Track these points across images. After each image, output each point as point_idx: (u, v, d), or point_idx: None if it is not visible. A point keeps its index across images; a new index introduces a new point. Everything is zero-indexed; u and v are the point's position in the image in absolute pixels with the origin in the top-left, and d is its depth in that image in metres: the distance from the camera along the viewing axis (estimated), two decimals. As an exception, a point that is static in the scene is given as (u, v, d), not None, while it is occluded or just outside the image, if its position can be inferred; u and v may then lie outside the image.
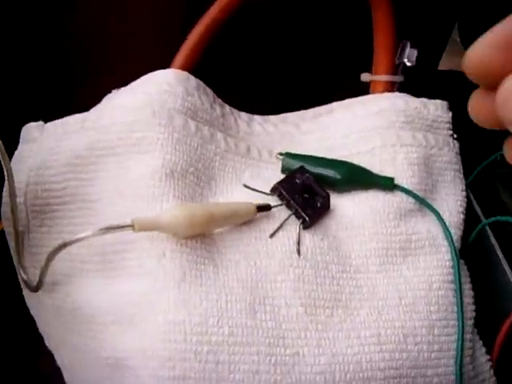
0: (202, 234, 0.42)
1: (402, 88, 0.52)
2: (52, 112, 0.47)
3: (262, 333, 0.39)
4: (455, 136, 0.51)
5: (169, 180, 0.43)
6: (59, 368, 0.45)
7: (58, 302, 0.43)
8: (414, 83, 0.53)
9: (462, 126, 0.59)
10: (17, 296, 0.45)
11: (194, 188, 0.44)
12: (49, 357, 0.45)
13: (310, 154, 0.48)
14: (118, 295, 0.41)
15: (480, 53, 0.30)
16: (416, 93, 0.51)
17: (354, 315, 0.42)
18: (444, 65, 0.64)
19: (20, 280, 0.43)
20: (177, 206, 0.41)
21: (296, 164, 0.46)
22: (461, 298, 0.44)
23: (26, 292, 0.45)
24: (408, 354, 0.41)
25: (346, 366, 0.40)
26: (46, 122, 0.48)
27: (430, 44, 0.60)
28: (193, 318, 0.38)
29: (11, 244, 0.44)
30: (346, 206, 0.46)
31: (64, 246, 0.39)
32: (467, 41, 0.68)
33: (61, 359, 0.45)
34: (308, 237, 0.43)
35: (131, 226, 0.39)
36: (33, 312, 0.45)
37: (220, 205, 0.44)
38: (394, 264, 0.44)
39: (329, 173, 0.46)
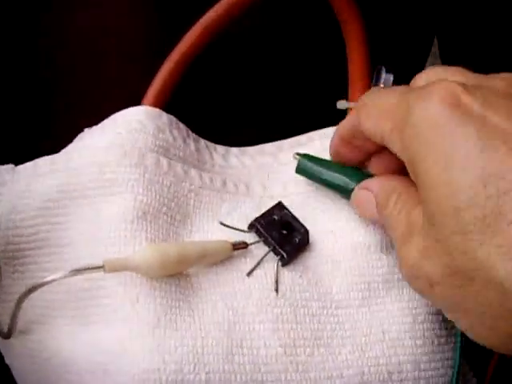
0: (177, 275, 0.41)
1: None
2: (22, 155, 0.46)
3: (241, 378, 0.38)
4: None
5: (141, 222, 0.41)
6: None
7: (31, 349, 0.41)
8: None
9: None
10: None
11: (168, 228, 0.43)
12: None
13: (288, 184, 0.48)
14: (92, 342, 0.39)
15: (332, 144, 0.44)
16: None
17: (336, 354, 0.41)
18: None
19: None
20: (148, 246, 0.41)
21: (311, 166, 0.46)
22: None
23: None
24: None
25: None
26: (16, 164, 0.47)
27: (409, 59, 0.59)
28: (168, 366, 0.37)
29: None
30: (326, 239, 0.45)
31: (33, 289, 0.38)
32: (447, 56, 0.67)
33: None
34: (286, 274, 0.42)
35: (101, 267, 0.38)
36: (7, 361, 0.44)
37: (193, 243, 0.43)
38: (377, 297, 0.43)
39: (342, 181, 0.45)
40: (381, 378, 0.40)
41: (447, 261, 0.32)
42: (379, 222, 0.42)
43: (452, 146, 0.32)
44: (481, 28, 0.61)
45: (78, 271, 0.38)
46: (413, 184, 0.37)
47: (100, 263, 0.38)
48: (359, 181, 0.44)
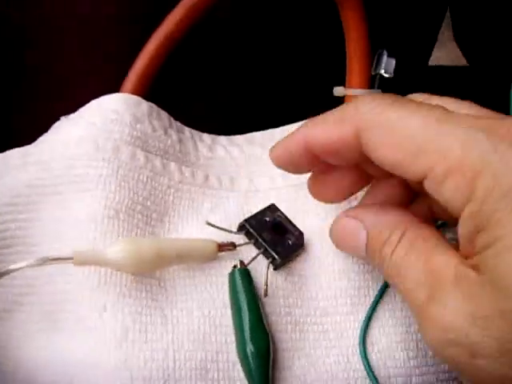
0: (149, 279, 0.38)
1: (391, 86, 0.47)
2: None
3: None
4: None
5: (112, 222, 0.39)
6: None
7: None
8: (403, 80, 0.49)
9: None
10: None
11: (144, 228, 0.40)
12: None
13: (276, 178, 0.44)
14: (58, 353, 0.37)
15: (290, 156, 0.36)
16: (406, 91, 0.46)
17: (319, 364, 0.38)
18: (435, 60, 0.58)
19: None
20: (122, 239, 0.38)
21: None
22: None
23: None
24: None
25: None
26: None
27: (418, 39, 0.55)
28: (136, 383, 0.34)
29: None
30: (314, 238, 0.42)
31: None
32: (461, 36, 0.63)
33: None
34: (269, 277, 0.39)
35: (71, 259, 0.35)
36: None
37: (174, 240, 0.40)
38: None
39: None
40: None
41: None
42: (364, 259, 0.38)
43: None
44: (495, 8, 0.56)
45: (46, 260, 0.35)
46: (421, 221, 0.32)
47: (70, 254, 0.35)
48: None
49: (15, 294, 0.39)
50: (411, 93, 0.46)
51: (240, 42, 0.50)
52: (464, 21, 0.59)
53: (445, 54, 0.60)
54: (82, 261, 0.35)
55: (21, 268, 0.35)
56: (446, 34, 0.62)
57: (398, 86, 0.46)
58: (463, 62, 0.60)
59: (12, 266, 0.35)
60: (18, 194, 0.41)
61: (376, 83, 0.47)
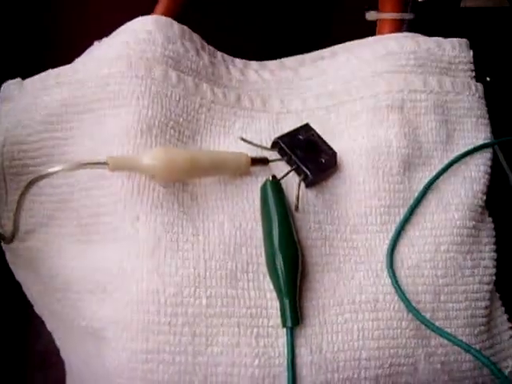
0: (180, 192, 0.39)
1: (418, 27, 0.47)
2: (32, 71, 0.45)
3: (244, 303, 0.36)
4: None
5: (145, 136, 0.39)
6: (54, 348, 0.43)
7: (32, 258, 0.41)
8: (433, 23, 0.48)
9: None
10: (6, 277, 0.43)
11: (176, 143, 0.41)
12: (44, 338, 0.44)
13: (308, 100, 0.45)
14: (93, 262, 0.38)
15: None
16: (438, 32, 0.46)
17: (349, 278, 0.38)
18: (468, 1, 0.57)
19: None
20: (158, 148, 0.38)
21: None
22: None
23: (5, 247, 0.43)
24: (408, 323, 0.37)
25: (335, 336, 0.36)
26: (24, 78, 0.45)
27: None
28: (167, 288, 0.35)
29: None
30: (346, 158, 0.42)
31: (36, 180, 0.37)
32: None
33: (49, 325, 0.43)
34: (301, 194, 0.40)
35: (106, 164, 0.36)
36: (11, 266, 0.43)
37: (208, 152, 0.40)
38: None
39: None
40: (396, 308, 0.37)
41: None
42: None
43: None
44: None
45: (80, 165, 0.36)
46: None
47: (104, 159, 0.36)
48: None
49: (52, 208, 0.41)
50: (442, 34, 0.45)
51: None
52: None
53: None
54: (117, 166, 0.36)
55: (58, 171, 0.36)
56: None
57: (427, 30, 0.46)
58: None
59: (50, 170, 0.36)
60: (52, 113, 0.42)
61: (409, 8, 0.46)
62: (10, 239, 0.41)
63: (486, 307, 0.40)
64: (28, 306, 0.43)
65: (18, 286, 0.43)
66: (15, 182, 0.42)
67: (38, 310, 0.43)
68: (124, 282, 0.36)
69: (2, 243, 0.43)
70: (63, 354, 0.42)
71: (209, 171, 0.39)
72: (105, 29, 0.45)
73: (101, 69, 0.41)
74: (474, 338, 0.39)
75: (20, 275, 0.43)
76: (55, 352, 0.43)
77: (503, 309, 0.42)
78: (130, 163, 0.36)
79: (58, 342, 0.43)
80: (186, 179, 0.39)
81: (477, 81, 0.46)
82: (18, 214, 0.39)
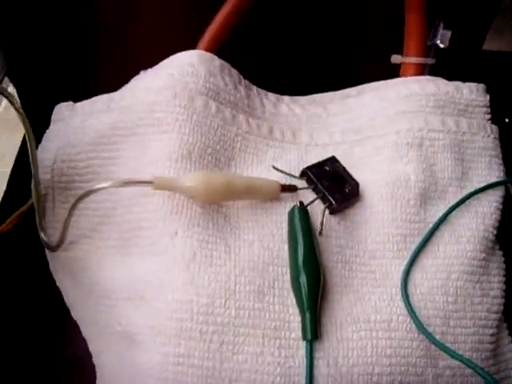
0: (215, 214, 0.42)
1: (440, 70, 0.51)
2: (81, 96, 0.49)
3: (269, 316, 0.40)
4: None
5: (185, 161, 0.43)
6: (83, 353, 0.46)
7: (74, 267, 0.44)
8: (455, 65, 0.52)
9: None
10: (46, 283, 0.47)
11: (212, 168, 0.44)
12: (73, 342, 0.47)
13: (334, 134, 0.48)
14: (131, 272, 0.42)
15: None
16: (459, 76, 0.49)
17: (365, 299, 0.42)
18: (490, 45, 0.61)
19: (42, 242, 0.45)
20: (198, 171, 0.42)
21: None
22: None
23: (49, 255, 0.46)
24: (418, 344, 0.40)
25: (350, 351, 0.39)
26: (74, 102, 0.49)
27: (472, 23, 0.58)
28: (200, 299, 0.39)
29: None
30: (367, 189, 0.45)
31: (86, 194, 0.41)
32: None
33: (84, 330, 0.46)
34: (325, 220, 0.43)
35: (151, 183, 0.40)
36: (53, 273, 0.47)
37: (243, 177, 0.44)
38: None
39: None
40: (408, 328, 0.40)
41: None
42: None
43: None
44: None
45: (127, 182, 0.40)
46: None
47: (149, 178, 0.40)
48: None
49: (96, 222, 0.44)
50: (464, 76, 0.49)
51: (303, 12, 0.54)
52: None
53: (501, 41, 0.62)
54: (160, 185, 0.40)
55: (107, 187, 0.40)
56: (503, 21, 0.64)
57: (449, 73, 0.49)
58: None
59: (100, 185, 0.40)
60: (101, 134, 0.46)
61: (431, 53, 0.50)
62: (55, 248, 0.44)
63: (493, 334, 0.43)
64: (61, 313, 0.47)
65: (47, 294, 0.46)
66: (63, 196, 0.46)
67: (74, 315, 0.46)
68: (160, 292, 0.40)
69: (47, 251, 0.46)
70: (95, 359, 0.45)
71: (242, 195, 0.42)
72: (141, 60, 0.49)
73: (148, 97, 0.45)
74: (480, 362, 0.41)
75: (61, 282, 0.46)
76: (84, 358, 0.46)
77: (510, 338, 0.44)
78: (173, 184, 0.40)
79: (91, 347, 0.46)
80: (221, 201, 0.43)
81: (494, 123, 0.49)
82: (67, 226, 0.43)
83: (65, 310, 0.47)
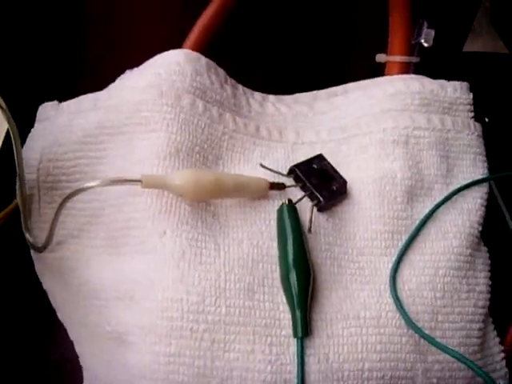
0: (204, 212, 0.42)
1: (423, 70, 0.51)
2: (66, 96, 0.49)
3: (259, 314, 0.40)
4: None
5: (173, 159, 0.43)
6: (70, 356, 0.45)
7: (61, 266, 0.44)
8: (437, 65, 0.52)
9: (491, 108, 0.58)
10: (32, 285, 0.46)
11: (200, 167, 0.44)
12: (60, 345, 0.47)
13: (321, 132, 0.48)
14: (121, 272, 0.41)
15: None
16: (440, 75, 0.50)
17: (355, 296, 0.42)
18: (470, 46, 0.61)
19: (28, 243, 0.44)
20: (187, 169, 0.42)
21: None
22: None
23: (34, 256, 0.46)
24: (408, 339, 0.41)
25: (341, 348, 0.39)
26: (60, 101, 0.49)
27: (453, 24, 0.58)
28: (190, 297, 0.39)
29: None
30: (355, 187, 0.46)
31: (73, 194, 0.41)
32: (499, 22, 0.66)
33: (71, 332, 0.46)
34: (313, 217, 0.43)
35: (139, 181, 0.40)
36: (39, 274, 0.46)
37: (232, 175, 0.44)
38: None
39: None
40: (397, 324, 0.41)
41: None
42: None
43: None
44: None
45: (115, 181, 0.40)
46: None
47: (138, 177, 0.40)
48: None
49: (83, 222, 0.44)
50: (445, 76, 0.49)
51: (288, 11, 0.54)
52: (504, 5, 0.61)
53: (479, 42, 0.63)
54: (149, 183, 0.40)
55: (95, 186, 0.40)
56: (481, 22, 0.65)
57: (431, 72, 0.50)
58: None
59: (87, 184, 0.40)
60: (88, 134, 0.46)
61: (416, 52, 0.50)
62: (42, 249, 0.44)
63: (480, 329, 0.43)
64: (47, 315, 0.46)
65: (33, 296, 0.46)
66: (49, 196, 0.46)
67: (61, 317, 0.46)
68: (150, 291, 0.39)
69: (33, 253, 0.46)
70: (83, 361, 0.45)
71: (231, 193, 0.42)
72: (129, 60, 0.49)
73: (134, 96, 0.45)
74: (468, 356, 0.42)
75: (47, 283, 0.46)
76: (72, 360, 0.45)
77: (496, 332, 0.45)
78: (161, 182, 0.40)
79: (78, 349, 0.45)
80: (210, 199, 0.43)
81: (476, 121, 0.50)
82: (54, 226, 0.42)
83: (51, 312, 0.46)
